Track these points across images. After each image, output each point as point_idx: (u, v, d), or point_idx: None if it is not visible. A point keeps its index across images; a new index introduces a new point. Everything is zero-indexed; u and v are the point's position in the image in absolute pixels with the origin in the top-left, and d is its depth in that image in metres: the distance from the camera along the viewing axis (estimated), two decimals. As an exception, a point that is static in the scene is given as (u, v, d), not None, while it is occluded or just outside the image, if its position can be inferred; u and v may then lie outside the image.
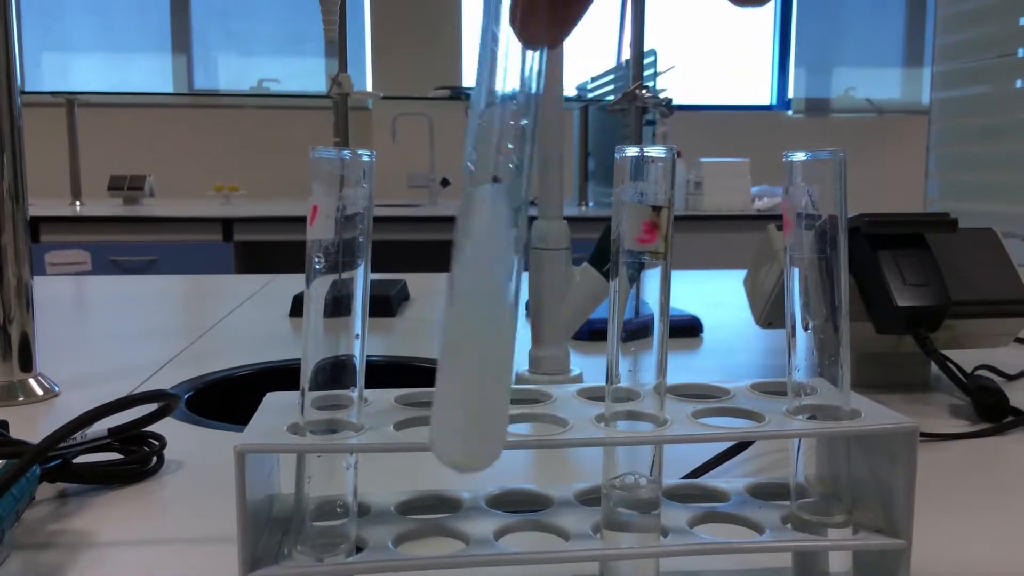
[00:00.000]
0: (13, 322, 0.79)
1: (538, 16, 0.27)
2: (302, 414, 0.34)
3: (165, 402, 0.49)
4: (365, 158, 0.33)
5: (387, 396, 0.40)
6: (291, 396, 0.35)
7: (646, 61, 1.76)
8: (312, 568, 0.34)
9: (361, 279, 0.34)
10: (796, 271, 0.36)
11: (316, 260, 0.33)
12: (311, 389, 0.34)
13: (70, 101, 3.41)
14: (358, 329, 0.34)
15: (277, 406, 0.37)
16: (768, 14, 4.41)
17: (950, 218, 0.77)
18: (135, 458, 0.59)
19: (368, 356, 1.06)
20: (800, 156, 0.35)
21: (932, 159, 2.14)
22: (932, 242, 0.77)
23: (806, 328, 0.36)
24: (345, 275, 0.33)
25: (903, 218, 0.78)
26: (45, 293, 1.42)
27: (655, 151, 0.34)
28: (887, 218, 0.76)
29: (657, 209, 0.34)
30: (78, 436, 0.53)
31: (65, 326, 1.16)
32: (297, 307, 1.21)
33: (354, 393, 0.34)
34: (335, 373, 0.34)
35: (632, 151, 0.34)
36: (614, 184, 0.34)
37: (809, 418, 0.37)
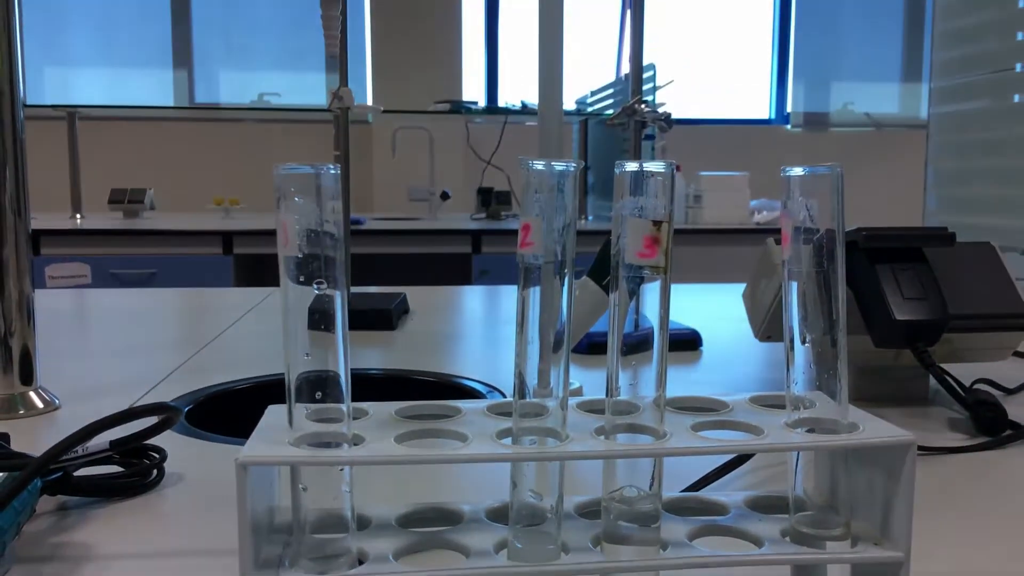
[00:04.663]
0: (14, 335, 0.79)
1: None
2: (290, 427, 0.34)
3: (166, 415, 0.50)
4: (332, 171, 0.34)
5: (388, 409, 0.40)
6: (295, 408, 0.35)
7: (645, 75, 1.77)
8: (313, 580, 0.34)
9: (340, 294, 0.34)
10: (794, 285, 0.36)
11: (292, 276, 0.34)
12: (304, 402, 0.34)
13: (71, 114, 3.42)
14: (341, 342, 0.34)
15: (278, 419, 0.37)
16: (767, 28, 4.43)
17: (948, 232, 0.77)
18: (135, 471, 0.59)
19: (368, 369, 1.06)
20: (798, 171, 0.35)
21: (930, 173, 2.15)
22: (930, 256, 0.77)
23: (804, 342, 0.36)
24: (326, 291, 0.34)
25: (901, 232, 0.78)
26: (45, 306, 1.42)
27: (654, 166, 0.34)
28: (885, 232, 0.77)
29: (657, 224, 0.34)
30: (79, 449, 0.53)
31: (65, 339, 1.17)
32: (310, 320, 1.21)
33: (344, 406, 0.35)
34: (320, 386, 0.34)
35: (632, 166, 0.34)
36: (614, 199, 0.35)
37: (808, 431, 0.37)
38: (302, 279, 0.33)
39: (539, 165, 0.34)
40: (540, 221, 0.34)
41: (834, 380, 0.36)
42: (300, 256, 0.33)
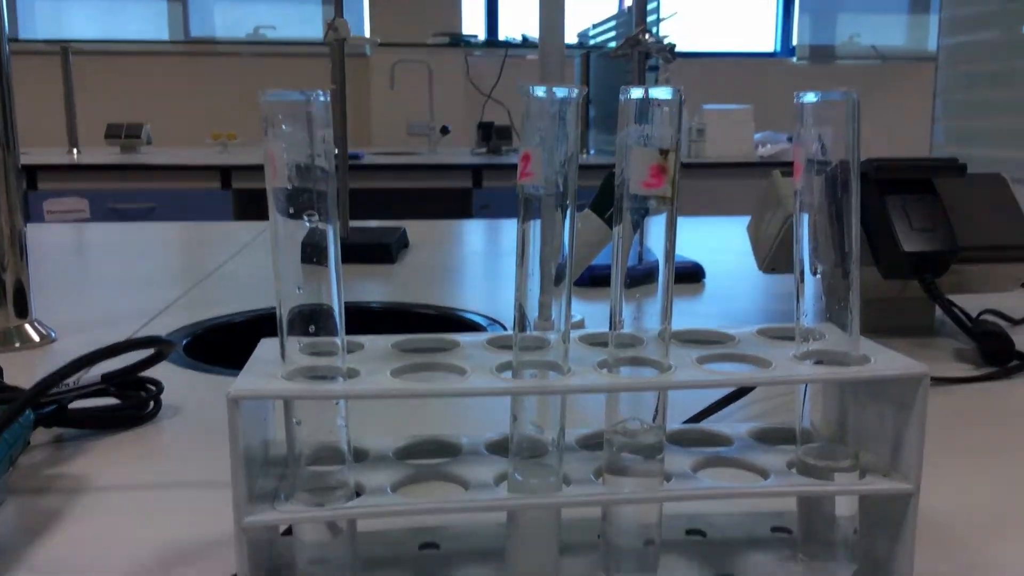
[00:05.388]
0: (7, 269, 0.78)
1: None
2: (283, 360, 0.33)
3: (159, 348, 0.49)
4: (322, 99, 0.32)
5: (384, 342, 0.39)
6: (287, 341, 0.34)
7: (649, 7, 1.73)
8: (309, 512, 0.33)
9: (332, 226, 0.33)
10: (805, 216, 0.35)
11: (281, 208, 0.32)
12: (298, 335, 0.33)
13: (64, 49, 3.37)
14: (334, 275, 0.33)
15: (271, 352, 0.36)
16: (773, -41, 4.34)
17: (959, 163, 0.75)
18: (132, 403, 0.58)
19: (368, 303, 1.05)
20: (811, 97, 0.34)
21: (939, 105, 2.12)
22: (940, 187, 0.75)
23: (815, 273, 0.35)
24: (317, 224, 0.32)
25: (912, 163, 0.76)
26: (44, 240, 1.41)
27: (661, 92, 0.32)
28: (896, 163, 0.75)
29: (664, 152, 0.32)
30: (71, 382, 0.53)
31: (64, 273, 1.16)
32: (303, 253, 1.20)
33: (339, 339, 0.33)
34: (313, 319, 0.33)
35: (637, 92, 0.32)
36: (618, 127, 0.33)
37: (816, 363, 0.36)
38: (292, 211, 0.32)
39: (540, 91, 0.33)
40: (540, 150, 0.33)
41: (845, 312, 0.35)
42: (290, 188, 0.32)
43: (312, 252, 0.33)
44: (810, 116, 0.34)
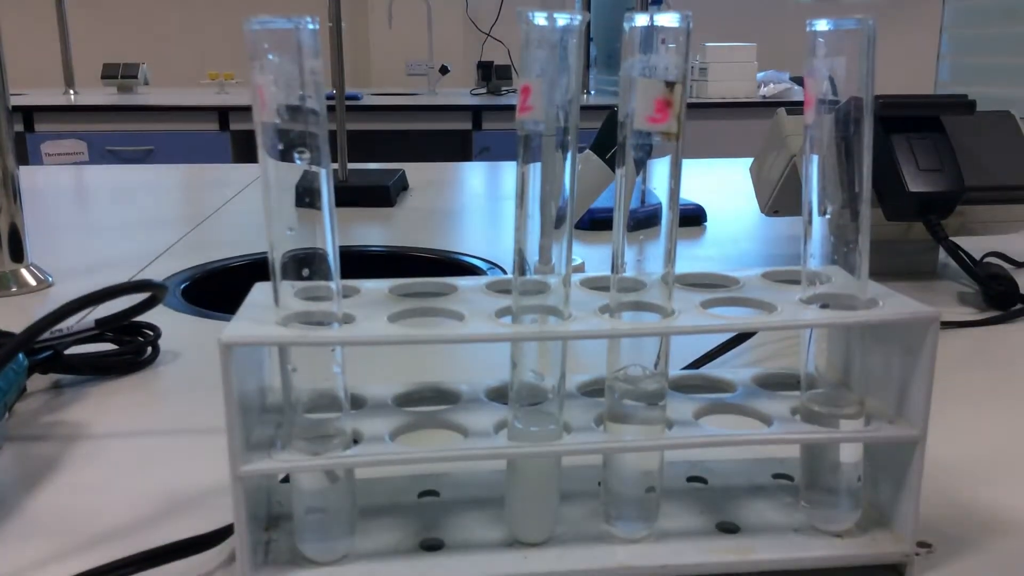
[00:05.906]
0: (1, 213, 0.77)
1: None
2: (276, 305, 0.32)
3: (153, 292, 0.48)
4: (310, 26, 0.30)
5: (381, 286, 0.38)
6: (281, 286, 0.33)
7: (651, -60, 1.68)
8: (306, 461, 0.33)
9: (325, 166, 0.31)
10: (815, 154, 0.34)
11: (270, 145, 0.31)
12: (292, 279, 0.32)
13: (57, -14, 3.31)
14: (328, 219, 0.32)
15: (265, 296, 0.35)
16: None
17: (968, 100, 0.74)
18: (129, 348, 0.58)
19: (367, 246, 1.04)
20: (824, 25, 0.32)
21: (945, 41, 2.08)
22: (948, 125, 0.74)
23: (823, 214, 0.34)
24: (309, 163, 0.31)
25: (919, 100, 0.75)
26: (42, 184, 1.40)
27: (668, 19, 0.31)
28: (903, 100, 0.73)
29: (670, 85, 0.31)
30: (64, 327, 0.52)
31: (63, 216, 1.14)
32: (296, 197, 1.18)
33: (333, 284, 0.33)
34: (307, 263, 0.32)
35: (642, 19, 0.31)
36: (622, 58, 0.32)
37: (822, 307, 0.35)
38: (282, 148, 0.31)
39: (540, 18, 0.31)
40: (541, 83, 0.31)
41: (853, 254, 0.34)
42: (278, 122, 0.30)
43: (305, 194, 0.32)
44: (822, 46, 0.33)
